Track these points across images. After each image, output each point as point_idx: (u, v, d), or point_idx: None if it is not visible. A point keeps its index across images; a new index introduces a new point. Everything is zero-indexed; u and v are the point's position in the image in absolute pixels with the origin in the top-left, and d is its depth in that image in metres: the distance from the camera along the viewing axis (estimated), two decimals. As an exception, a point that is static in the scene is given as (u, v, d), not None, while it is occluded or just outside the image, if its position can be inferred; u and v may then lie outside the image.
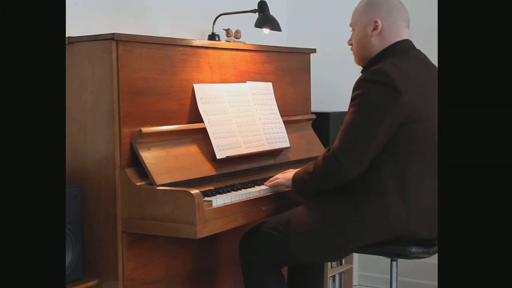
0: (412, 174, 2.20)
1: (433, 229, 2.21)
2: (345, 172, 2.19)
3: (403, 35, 2.34)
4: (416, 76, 2.23)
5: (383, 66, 2.22)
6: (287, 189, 2.56)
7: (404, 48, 2.31)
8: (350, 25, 2.43)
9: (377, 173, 2.20)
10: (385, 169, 2.20)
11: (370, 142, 2.16)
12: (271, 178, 2.56)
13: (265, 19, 3.23)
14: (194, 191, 2.19)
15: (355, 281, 3.88)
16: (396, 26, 2.33)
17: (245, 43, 3.09)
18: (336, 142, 2.22)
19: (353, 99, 2.23)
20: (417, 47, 2.39)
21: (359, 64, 2.42)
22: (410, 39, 2.36)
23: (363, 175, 2.21)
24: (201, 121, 2.56)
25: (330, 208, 2.29)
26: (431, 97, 2.22)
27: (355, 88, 2.24)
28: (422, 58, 2.35)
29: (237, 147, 2.67)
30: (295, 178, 2.40)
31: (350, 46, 2.44)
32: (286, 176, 2.48)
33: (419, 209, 2.20)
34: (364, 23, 2.34)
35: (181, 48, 2.55)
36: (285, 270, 2.66)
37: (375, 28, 2.32)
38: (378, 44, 2.33)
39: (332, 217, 2.27)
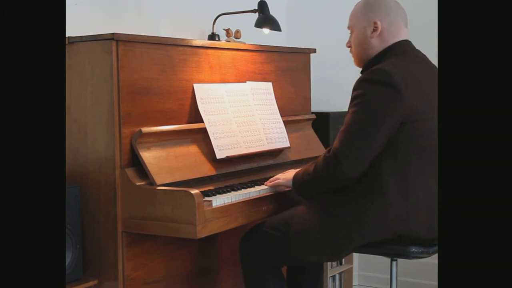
0: (412, 173, 2.20)
1: (432, 229, 2.22)
2: (345, 172, 2.19)
3: (402, 35, 2.34)
4: (416, 75, 2.23)
5: (383, 66, 2.22)
6: (287, 189, 2.57)
7: (404, 49, 2.32)
8: (348, 28, 2.43)
9: (377, 173, 2.20)
10: (385, 168, 2.20)
11: (370, 142, 2.16)
12: (272, 178, 2.56)
13: (265, 19, 3.23)
14: (194, 191, 2.19)
15: (355, 281, 3.88)
16: (395, 27, 2.33)
17: (245, 43, 3.09)
18: (336, 143, 2.22)
19: (353, 99, 2.23)
20: (417, 47, 2.39)
21: (359, 66, 2.42)
22: (409, 39, 2.37)
23: (363, 174, 2.21)
24: (201, 121, 2.56)
25: (329, 209, 2.29)
26: (431, 96, 2.22)
27: (355, 88, 2.24)
28: (421, 57, 2.36)
29: (237, 147, 2.67)
30: (295, 179, 2.40)
31: (349, 48, 2.44)
32: (286, 176, 2.48)
33: (418, 208, 2.21)
34: (363, 25, 2.34)
35: (181, 48, 2.55)
36: (284, 270, 2.66)
37: (374, 30, 2.32)
38: (378, 45, 2.33)
39: (332, 218, 2.27)
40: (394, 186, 2.19)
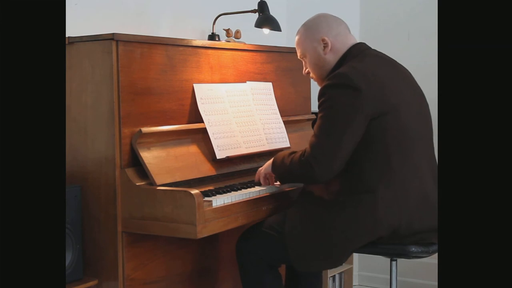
0: (393, 166, 2.22)
1: (424, 219, 2.24)
2: (318, 176, 2.23)
3: (352, 41, 2.41)
4: (375, 71, 2.28)
5: (341, 69, 2.29)
6: (287, 189, 2.57)
7: (359, 50, 2.38)
8: (300, 57, 2.50)
9: (361, 171, 2.23)
10: (367, 166, 2.23)
11: (340, 145, 2.19)
12: (256, 176, 2.57)
13: (265, 19, 3.24)
14: (194, 191, 2.19)
15: (355, 281, 3.88)
16: (342, 37, 2.41)
17: (245, 43, 3.09)
18: (308, 148, 2.25)
19: (319, 106, 2.28)
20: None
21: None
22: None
23: (349, 175, 2.24)
24: (201, 121, 2.56)
25: (322, 213, 2.28)
26: (395, 88, 2.28)
27: (319, 96, 2.29)
28: (378, 55, 2.42)
29: (237, 147, 2.67)
30: (274, 165, 2.43)
31: (309, 75, 2.50)
32: (265, 166, 2.52)
33: (406, 198, 2.23)
34: (313, 46, 2.42)
35: (181, 48, 2.56)
36: (282, 270, 2.66)
37: (325, 46, 2.40)
38: (333, 59, 2.40)
39: (325, 223, 2.27)
40: (380, 182, 2.21)
